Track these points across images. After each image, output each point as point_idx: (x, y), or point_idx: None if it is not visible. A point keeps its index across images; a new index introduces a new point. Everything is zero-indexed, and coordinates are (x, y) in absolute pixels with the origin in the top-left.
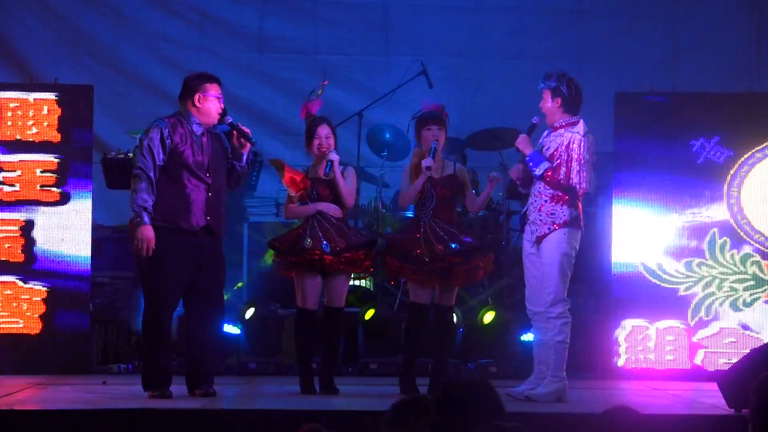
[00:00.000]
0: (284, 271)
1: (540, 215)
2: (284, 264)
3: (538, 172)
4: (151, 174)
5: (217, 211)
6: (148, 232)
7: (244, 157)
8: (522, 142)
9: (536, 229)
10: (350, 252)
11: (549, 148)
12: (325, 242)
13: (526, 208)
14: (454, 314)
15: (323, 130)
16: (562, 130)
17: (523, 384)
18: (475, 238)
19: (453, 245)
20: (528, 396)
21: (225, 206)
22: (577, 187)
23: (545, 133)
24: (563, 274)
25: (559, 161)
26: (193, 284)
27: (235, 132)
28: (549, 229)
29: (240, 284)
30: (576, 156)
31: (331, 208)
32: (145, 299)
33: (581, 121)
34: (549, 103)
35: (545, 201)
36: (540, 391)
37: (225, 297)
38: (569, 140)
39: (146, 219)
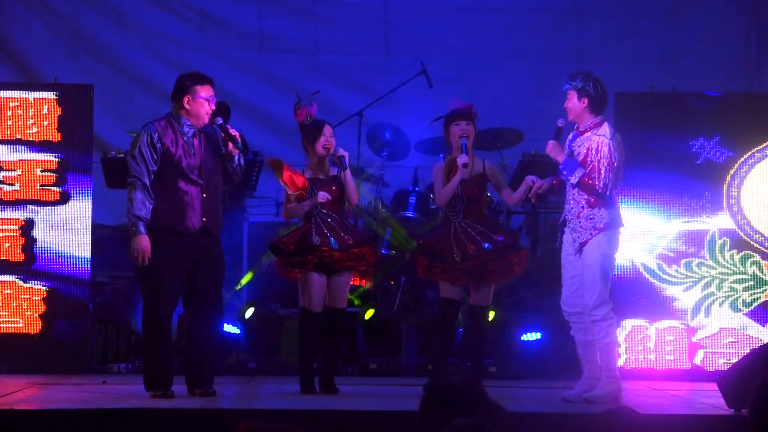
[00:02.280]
0: (290, 273)
1: (580, 221)
2: (290, 265)
3: (573, 180)
4: (146, 180)
5: (213, 211)
6: (143, 242)
7: (235, 159)
8: (553, 150)
9: (578, 236)
10: (357, 248)
11: (579, 153)
12: (332, 239)
13: (564, 215)
14: (490, 313)
15: (328, 130)
16: (589, 133)
17: (577, 386)
18: (507, 237)
19: (486, 245)
20: (587, 398)
21: (222, 205)
22: (603, 190)
23: (570, 136)
24: (605, 276)
25: (591, 166)
26: (191, 284)
27: (223, 134)
28: (591, 234)
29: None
30: (606, 160)
31: (324, 196)
32: (144, 300)
33: (605, 123)
34: (576, 104)
35: (583, 207)
36: (597, 392)
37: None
38: (597, 144)
39: (141, 229)
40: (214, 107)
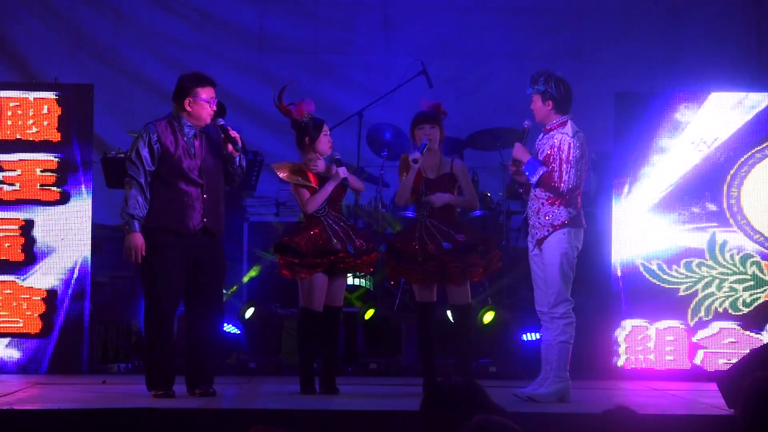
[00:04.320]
0: (297, 273)
1: (539, 218)
2: (300, 265)
3: (534, 179)
4: (141, 180)
5: (214, 211)
6: (137, 239)
7: (236, 160)
8: (519, 152)
9: (536, 233)
10: (367, 254)
11: (543, 151)
12: (349, 245)
13: (527, 212)
14: (472, 311)
15: (326, 128)
16: (554, 132)
17: (531, 384)
18: (471, 237)
19: (445, 244)
20: (530, 396)
21: (223, 205)
22: (564, 188)
23: (540, 136)
24: (564, 275)
25: (552, 165)
26: (192, 284)
27: (223, 135)
28: (548, 231)
29: (234, 288)
30: (565, 157)
31: (344, 171)
32: (145, 300)
33: (569, 121)
34: (541, 107)
35: (542, 204)
36: (542, 391)
37: (225, 298)
38: (560, 141)
39: (135, 227)
40: (215, 108)
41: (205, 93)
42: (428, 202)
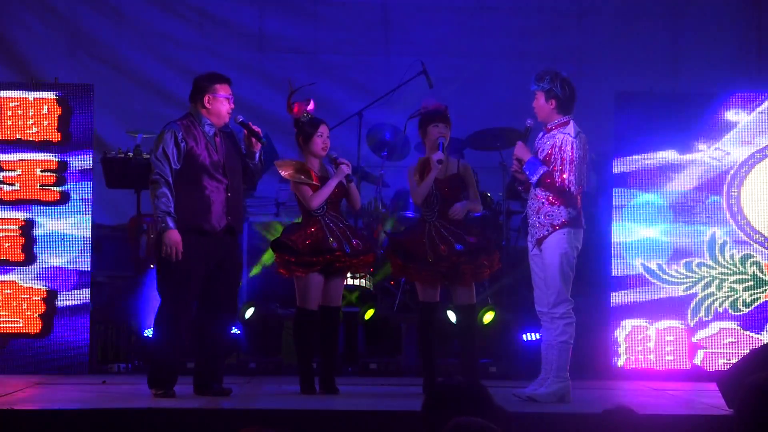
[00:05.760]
0: (293, 271)
1: (539, 218)
2: (295, 263)
3: (534, 179)
4: (170, 179)
5: (237, 210)
6: (174, 236)
7: (257, 155)
8: (521, 150)
9: (536, 232)
10: (365, 255)
11: (543, 150)
12: (346, 244)
13: (526, 211)
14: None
15: (325, 130)
16: (555, 131)
17: (531, 384)
18: (480, 238)
19: (457, 246)
20: (530, 396)
21: (244, 204)
22: (568, 189)
23: (540, 134)
24: (564, 275)
25: (553, 165)
26: (209, 284)
27: (245, 131)
28: (548, 231)
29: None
30: (568, 157)
31: (348, 166)
32: (161, 298)
33: (571, 121)
34: (544, 105)
35: (542, 203)
36: (542, 391)
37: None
38: (561, 141)
39: (171, 224)
40: (233, 105)
41: (223, 90)
42: (453, 215)
